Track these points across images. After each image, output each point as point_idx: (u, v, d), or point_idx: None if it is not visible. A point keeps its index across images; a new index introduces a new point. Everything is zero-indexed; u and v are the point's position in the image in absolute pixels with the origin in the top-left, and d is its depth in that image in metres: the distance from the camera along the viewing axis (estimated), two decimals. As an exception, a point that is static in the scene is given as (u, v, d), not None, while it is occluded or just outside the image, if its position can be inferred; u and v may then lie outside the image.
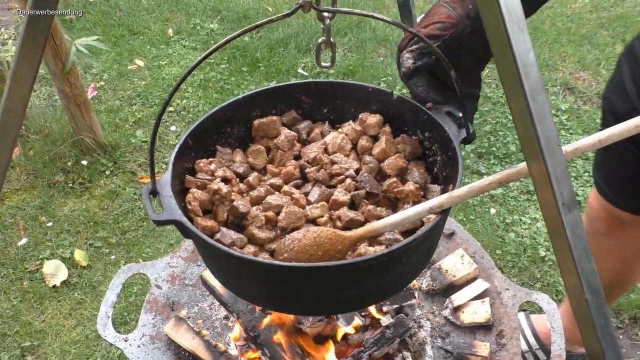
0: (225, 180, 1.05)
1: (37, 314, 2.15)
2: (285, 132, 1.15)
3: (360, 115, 1.15)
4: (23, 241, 2.40)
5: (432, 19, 1.04)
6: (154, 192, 0.95)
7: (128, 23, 3.72)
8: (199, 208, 0.99)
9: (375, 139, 1.14)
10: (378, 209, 1.01)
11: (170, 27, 3.69)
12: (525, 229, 2.38)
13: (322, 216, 1.01)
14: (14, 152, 2.71)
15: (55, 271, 2.26)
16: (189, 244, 1.58)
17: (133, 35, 3.64)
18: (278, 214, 1.01)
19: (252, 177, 1.08)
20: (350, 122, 1.16)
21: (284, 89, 1.18)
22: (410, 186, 1.02)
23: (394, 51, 3.45)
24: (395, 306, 1.37)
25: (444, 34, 1.02)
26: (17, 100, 0.92)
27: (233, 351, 1.34)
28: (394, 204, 1.05)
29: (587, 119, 2.90)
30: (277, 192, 1.06)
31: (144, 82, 3.25)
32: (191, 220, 0.97)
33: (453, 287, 1.45)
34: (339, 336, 1.34)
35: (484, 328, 1.37)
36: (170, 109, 3.03)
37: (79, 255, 2.31)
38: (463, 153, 2.63)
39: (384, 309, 1.37)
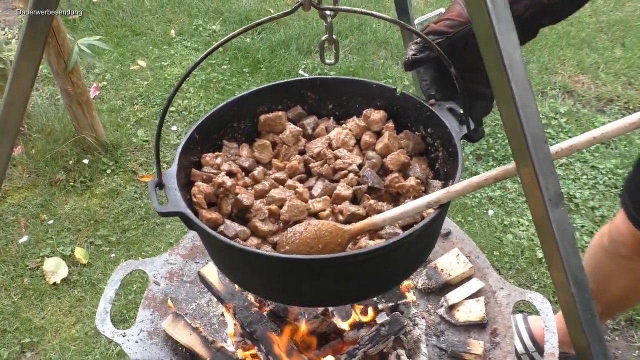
0: (231, 173, 1.07)
1: (37, 310, 2.16)
2: (291, 127, 1.16)
3: (364, 111, 1.16)
4: (24, 239, 2.42)
5: (446, 15, 1.05)
6: (160, 185, 0.97)
7: (131, 24, 3.75)
8: (204, 201, 1.01)
9: (378, 134, 1.15)
10: (379, 203, 1.02)
11: (172, 28, 3.71)
12: (523, 231, 2.39)
13: (324, 210, 1.03)
14: (16, 150, 2.74)
15: (55, 269, 2.27)
16: (187, 241, 1.60)
17: (136, 35, 3.67)
18: (281, 207, 1.03)
19: (257, 171, 1.10)
20: (354, 117, 1.18)
21: (290, 84, 1.19)
22: (411, 181, 1.04)
23: (395, 53, 3.48)
24: (390, 304, 1.38)
25: (449, 31, 1.03)
26: (18, 96, 0.95)
27: (230, 347, 1.36)
28: (396, 199, 1.06)
29: (585, 121, 2.91)
30: (281, 186, 1.08)
31: (146, 83, 3.27)
32: (196, 212, 0.98)
33: (448, 286, 1.46)
34: (334, 333, 1.35)
35: (479, 326, 1.38)
36: (172, 108, 3.05)
37: (79, 253, 2.33)
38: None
39: (380, 306, 1.38)
